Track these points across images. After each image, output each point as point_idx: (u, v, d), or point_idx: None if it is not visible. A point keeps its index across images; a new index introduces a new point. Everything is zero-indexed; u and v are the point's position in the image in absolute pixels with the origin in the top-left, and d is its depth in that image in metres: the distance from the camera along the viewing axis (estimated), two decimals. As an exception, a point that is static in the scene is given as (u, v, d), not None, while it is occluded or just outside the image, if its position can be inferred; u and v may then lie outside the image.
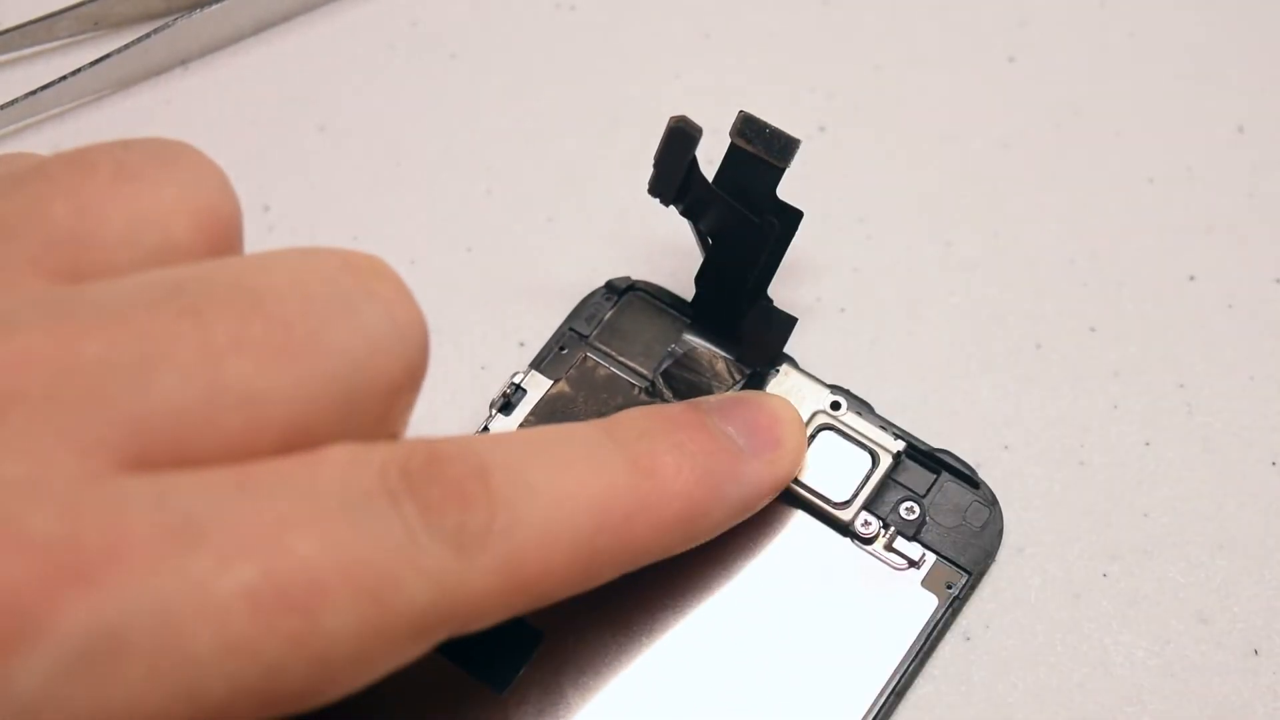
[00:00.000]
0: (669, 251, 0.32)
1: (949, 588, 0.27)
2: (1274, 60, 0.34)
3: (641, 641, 0.27)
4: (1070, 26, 0.35)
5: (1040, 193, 0.33)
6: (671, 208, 0.27)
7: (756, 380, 0.29)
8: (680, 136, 0.26)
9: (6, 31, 0.35)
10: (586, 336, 0.30)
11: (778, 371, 0.29)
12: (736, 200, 0.27)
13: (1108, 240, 0.32)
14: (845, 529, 0.28)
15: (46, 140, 0.34)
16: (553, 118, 0.34)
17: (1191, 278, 0.32)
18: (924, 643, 0.27)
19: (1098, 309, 0.31)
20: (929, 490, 0.28)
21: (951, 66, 0.35)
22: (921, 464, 0.29)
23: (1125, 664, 0.28)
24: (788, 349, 0.29)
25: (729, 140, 0.27)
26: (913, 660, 0.27)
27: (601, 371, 0.30)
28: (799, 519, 0.28)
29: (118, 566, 0.16)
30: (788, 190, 0.27)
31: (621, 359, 0.30)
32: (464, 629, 0.19)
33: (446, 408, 0.30)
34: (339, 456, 0.18)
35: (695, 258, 0.29)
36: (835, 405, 0.29)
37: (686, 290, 0.30)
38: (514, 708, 0.26)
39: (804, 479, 0.28)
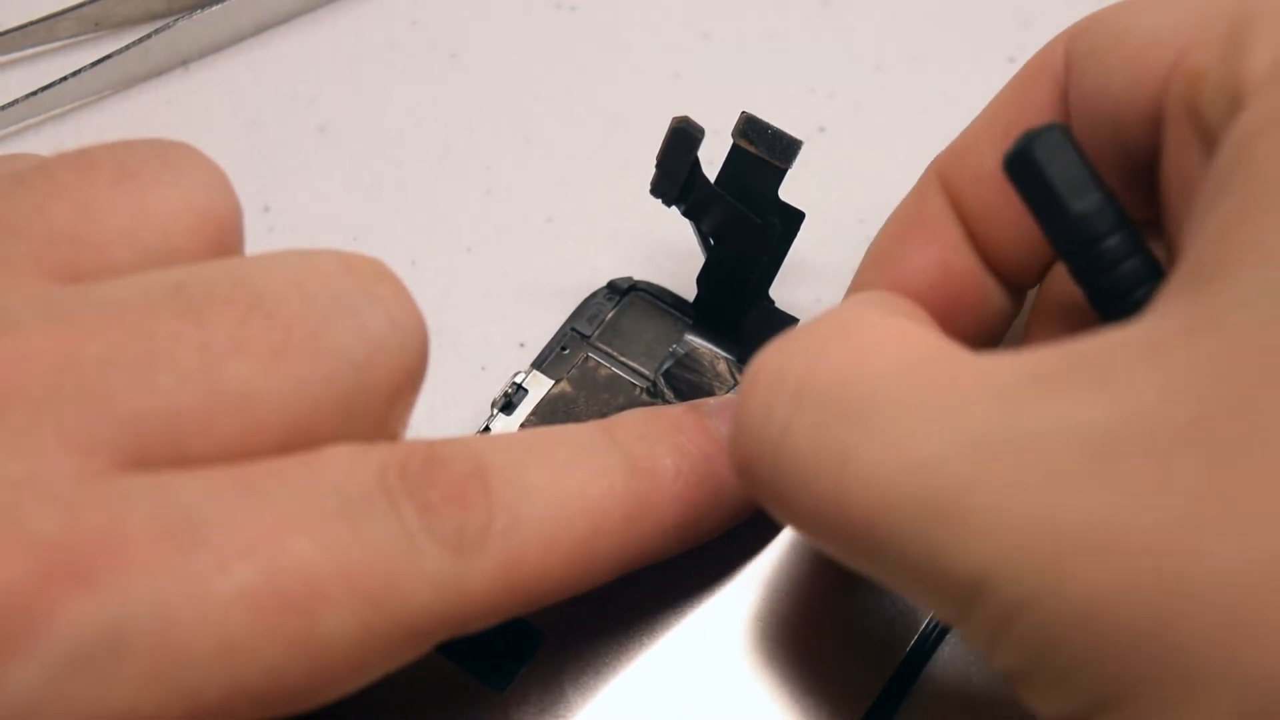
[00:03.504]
0: (670, 252, 0.32)
1: (949, 588, 0.27)
2: (1275, 61, 0.34)
3: (641, 641, 0.27)
4: (1071, 27, 0.35)
5: (1041, 193, 0.33)
6: (673, 208, 0.27)
7: (757, 381, 0.29)
8: (683, 137, 0.26)
9: (7, 32, 0.35)
10: (588, 336, 0.30)
11: (778, 372, 0.29)
12: (738, 201, 0.27)
13: (1108, 241, 0.32)
14: (845, 529, 0.28)
15: (47, 141, 0.34)
16: (553, 118, 0.34)
17: (1192, 278, 0.32)
18: (925, 643, 0.27)
19: (1098, 309, 0.31)
20: (929, 491, 0.28)
21: (951, 67, 0.35)
22: (922, 464, 0.29)
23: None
24: (788, 349, 0.29)
25: (730, 141, 0.27)
26: (913, 660, 0.27)
27: (603, 372, 0.30)
28: (799, 519, 0.28)
29: (116, 567, 0.16)
30: (788, 191, 0.27)
31: (623, 359, 0.30)
32: (463, 630, 0.19)
33: (446, 408, 0.30)
34: (338, 457, 0.18)
35: (697, 258, 0.29)
36: (835, 406, 0.29)
37: (688, 290, 0.30)
38: (514, 707, 0.26)
39: (804, 479, 0.28)
